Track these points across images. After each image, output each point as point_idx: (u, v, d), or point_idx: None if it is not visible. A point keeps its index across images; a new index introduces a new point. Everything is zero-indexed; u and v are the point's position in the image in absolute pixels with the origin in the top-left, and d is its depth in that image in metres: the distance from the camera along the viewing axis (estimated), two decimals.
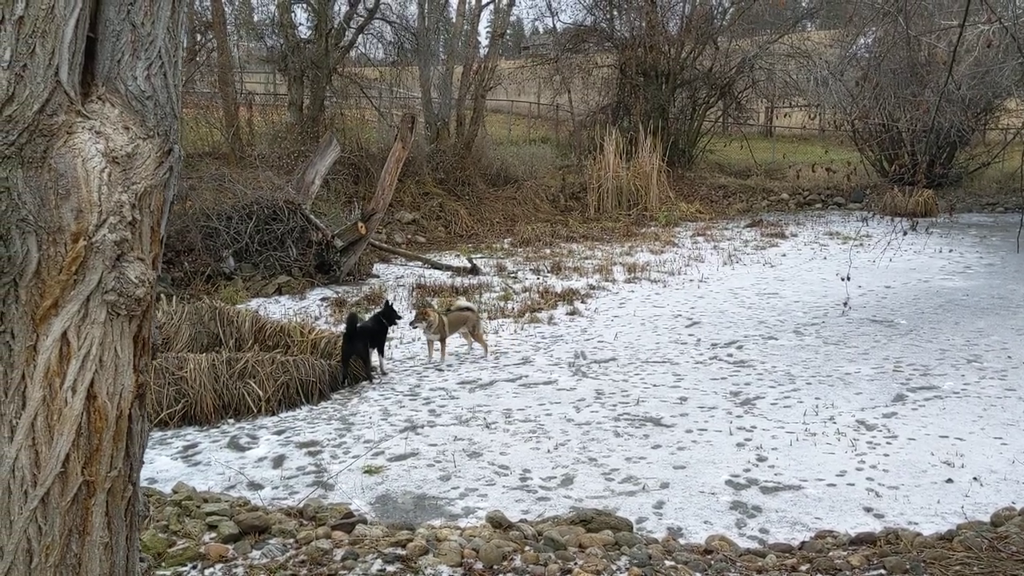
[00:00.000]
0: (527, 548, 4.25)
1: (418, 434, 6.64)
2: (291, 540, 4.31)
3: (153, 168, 2.21)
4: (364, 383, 8.07)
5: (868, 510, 5.20)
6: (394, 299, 11.09)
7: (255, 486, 5.65)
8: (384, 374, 8.31)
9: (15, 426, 2.14)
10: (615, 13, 25.38)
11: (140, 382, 2.33)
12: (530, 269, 14.20)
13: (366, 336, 8.18)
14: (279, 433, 6.71)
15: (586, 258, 15.28)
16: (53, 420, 2.16)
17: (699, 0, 24.86)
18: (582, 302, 11.62)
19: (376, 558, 4.04)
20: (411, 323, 8.87)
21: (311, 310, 11.02)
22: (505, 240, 17.49)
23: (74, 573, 2.22)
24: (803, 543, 4.70)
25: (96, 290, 2.16)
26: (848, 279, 9.76)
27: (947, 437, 6.39)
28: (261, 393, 7.18)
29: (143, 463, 2.53)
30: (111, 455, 2.27)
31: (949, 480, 5.60)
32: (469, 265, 13.91)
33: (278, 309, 10.87)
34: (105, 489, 2.28)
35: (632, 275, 13.56)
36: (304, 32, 19.86)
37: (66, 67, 2.11)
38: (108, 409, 2.24)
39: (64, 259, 2.12)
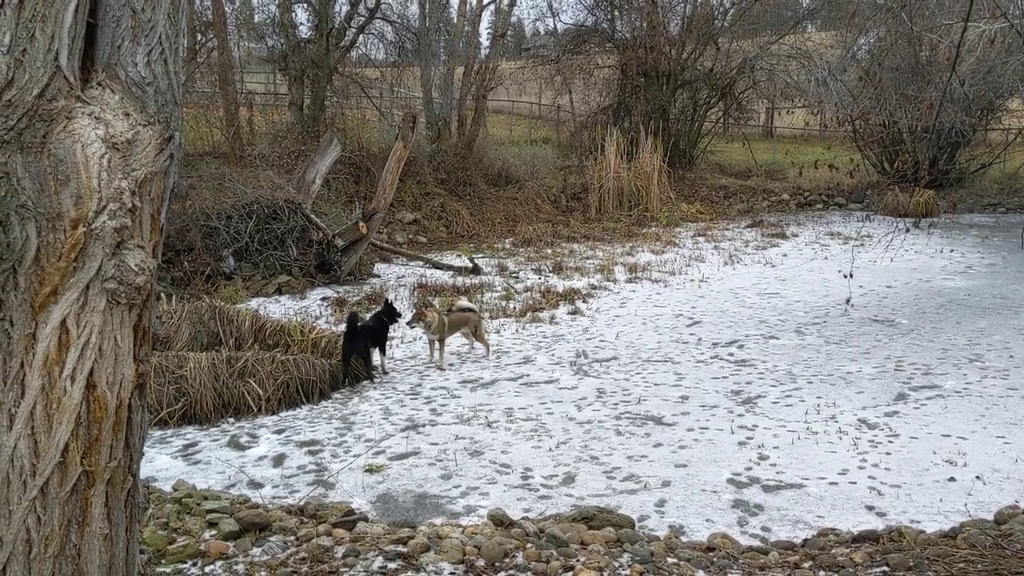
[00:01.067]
0: (529, 545, 4.23)
1: (419, 433, 6.63)
2: (292, 537, 4.29)
3: (153, 155, 2.19)
4: (365, 382, 8.04)
5: (870, 508, 5.18)
6: (395, 299, 11.07)
7: (255, 484, 5.63)
8: (385, 373, 8.29)
9: (14, 415, 2.12)
10: (616, 14, 25.38)
11: (140, 372, 2.31)
12: (532, 269, 14.18)
13: (367, 335, 8.16)
14: (279, 432, 6.69)
15: (587, 258, 15.26)
16: (52, 409, 2.14)
17: (700, 1, 24.85)
18: (584, 302, 11.61)
19: (377, 555, 4.03)
20: (408, 323, 8.85)
21: (311, 309, 11.00)
22: (507, 240, 17.47)
23: (73, 564, 2.20)
24: (805, 541, 4.68)
25: (96, 277, 2.14)
26: (851, 276, 9.74)
27: (949, 436, 6.37)
28: (261, 392, 7.16)
29: (143, 455, 2.51)
30: (111, 445, 2.25)
31: (951, 479, 5.58)
32: (471, 265, 13.90)
33: (278, 308, 10.85)
34: (105, 479, 2.26)
35: (633, 275, 13.54)
36: (305, 32, 19.85)
37: (66, 52, 2.09)
38: (108, 399, 2.22)
39: (63, 246, 2.10)
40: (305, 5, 19.62)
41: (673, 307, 11.31)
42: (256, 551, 4.10)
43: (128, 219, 2.15)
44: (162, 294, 9.26)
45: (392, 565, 3.93)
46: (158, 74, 2.23)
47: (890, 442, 6.27)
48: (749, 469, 5.81)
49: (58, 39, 2.07)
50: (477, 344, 9.11)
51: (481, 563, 4.00)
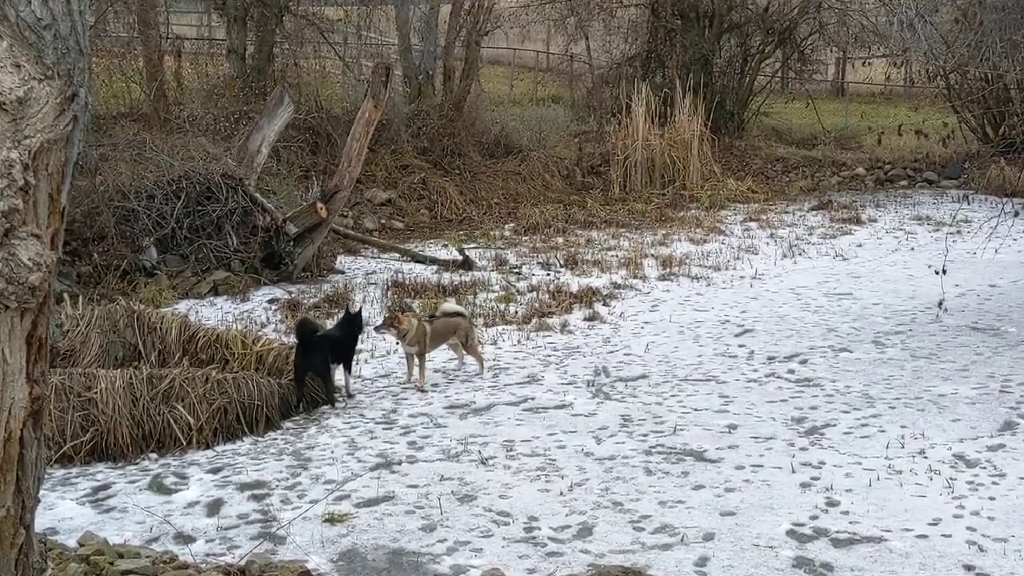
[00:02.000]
0: None
1: (394, 472, 6.64)
2: None
3: (52, 117, 2.18)
4: (325, 408, 8.06)
5: (969, 568, 5.19)
6: (363, 301, 11.06)
7: (184, 538, 5.64)
8: (351, 396, 8.31)
9: None
10: None
11: (35, 395, 2.30)
12: (538, 263, 14.23)
13: (326, 348, 8.15)
14: (215, 471, 6.71)
15: (609, 249, 15.30)
16: None
17: None
18: (604, 304, 11.64)
19: None
20: (376, 327, 8.86)
21: (256, 315, 11.02)
22: (506, 226, 17.53)
23: None
24: None
25: None
26: (944, 273, 9.75)
27: None
28: (192, 420, 7.18)
29: (39, 501, 2.50)
30: None
31: None
32: (460, 258, 13.93)
33: (214, 313, 10.88)
34: None
35: (667, 270, 13.58)
36: None
37: None
38: None
39: None
40: None
41: (718, 311, 11.34)
42: None
43: (19, 200, 2.14)
44: (65, 295, 9.27)
45: None
46: (58, 15, 2.23)
47: (995, 484, 6.28)
48: (815, 518, 5.82)
49: None
50: (468, 358, 9.13)
51: None
